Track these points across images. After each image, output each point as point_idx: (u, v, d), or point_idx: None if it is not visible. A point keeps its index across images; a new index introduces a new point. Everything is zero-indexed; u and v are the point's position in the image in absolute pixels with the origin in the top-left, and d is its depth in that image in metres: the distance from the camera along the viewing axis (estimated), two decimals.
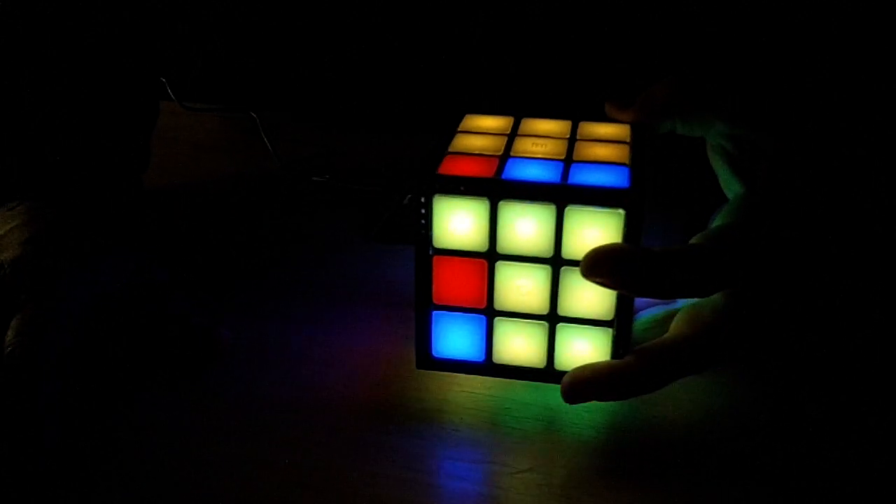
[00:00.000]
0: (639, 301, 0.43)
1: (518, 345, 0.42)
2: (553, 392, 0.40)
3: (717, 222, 0.41)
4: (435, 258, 0.41)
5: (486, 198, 0.39)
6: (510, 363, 0.42)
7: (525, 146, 0.42)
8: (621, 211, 0.38)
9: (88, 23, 0.52)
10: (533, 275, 0.40)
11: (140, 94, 0.57)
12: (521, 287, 0.40)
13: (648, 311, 0.43)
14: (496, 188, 0.39)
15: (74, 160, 0.52)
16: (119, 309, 0.45)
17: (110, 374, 0.44)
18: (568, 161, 0.40)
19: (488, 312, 0.41)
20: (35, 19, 0.50)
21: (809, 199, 0.39)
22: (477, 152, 0.41)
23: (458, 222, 0.39)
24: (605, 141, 0.42)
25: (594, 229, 0.38)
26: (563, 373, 0.40)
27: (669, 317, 0.41)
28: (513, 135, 0.43)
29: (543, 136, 0.43)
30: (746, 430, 0.41)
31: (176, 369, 0.45)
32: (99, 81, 0.53)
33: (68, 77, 0.52)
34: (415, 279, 0.41)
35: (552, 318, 0.41)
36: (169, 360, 0.45)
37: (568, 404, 0.40)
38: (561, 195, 0.38)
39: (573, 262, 0.39)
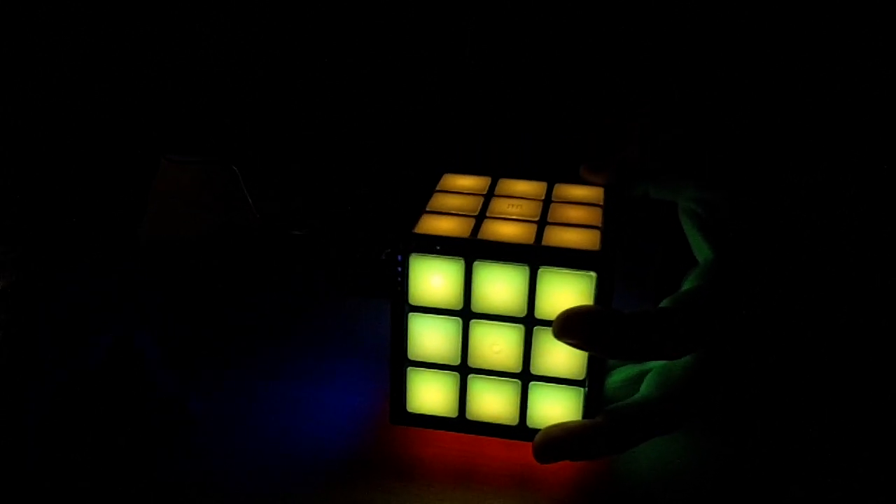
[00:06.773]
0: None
1: (491, 402, 0.42)
2: (525, 449, 0.41)
3: (686, 285, 0.41)
4: (410, 314, 0.41)
5: (461, 257, 0.39)
6: (483, 420, 0.43)
7: (501, 207, 0.43)
8: (592, 273, 0.38)
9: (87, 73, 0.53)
10: (506, 334, 0.40)
11: (140, 147, 0.57)
12: (494, 345, 0.41)
13: (620, 370, 0.44)
14: (471, 248, 0.39)
15: (71, 211, 0.52)
16: (94, 384, 0.45)
17: (82, 447, 0.43)
18: (542, 222, 0.41)
19: (462, 369, 0.42)
20: (33, 69, 0.51)
21: (777, 255, 0.40)
22: (454, 212, 0.42)
23: (433, 280, 0.40)
24: (579, 203, 0.43)
25: (566, 291, 0.39)
26: (535, 430, 0.40)
27: (641, 376, 0.42)
28: (489, 195, 0.44)
29: (519, 196, 0.44)
30: (715, 489, 0.42)
31: (146, 439, 0.44)
32: (101, 131, 0.53)
33: (69, 128, 0.52)
34: (390, 334, 0.42)
35: (525, 377, 0.41)
36: (139, 431, 0.45)
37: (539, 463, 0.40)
38: (534, 256, 0.39)
39: (546, 322, 0.39)
